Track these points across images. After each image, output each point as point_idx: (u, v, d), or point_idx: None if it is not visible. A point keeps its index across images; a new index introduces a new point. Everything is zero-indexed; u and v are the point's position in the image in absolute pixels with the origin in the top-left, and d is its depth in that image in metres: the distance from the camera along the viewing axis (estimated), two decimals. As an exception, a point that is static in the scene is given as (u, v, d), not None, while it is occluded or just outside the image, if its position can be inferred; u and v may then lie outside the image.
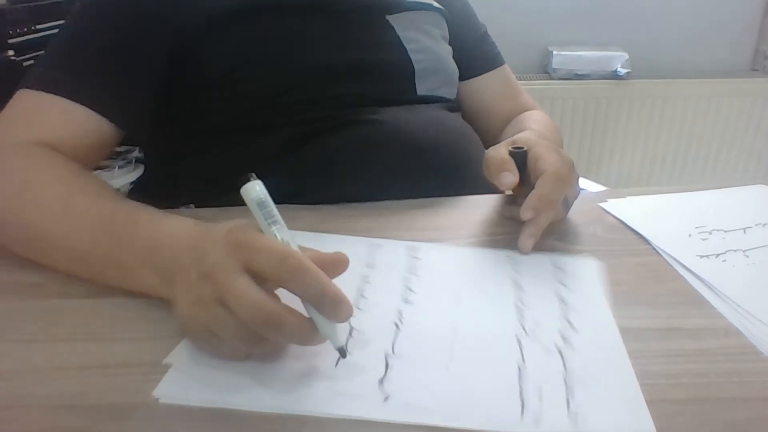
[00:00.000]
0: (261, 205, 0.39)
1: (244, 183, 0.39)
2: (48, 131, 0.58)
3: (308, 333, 0.37)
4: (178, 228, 0.45)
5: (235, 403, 0.36)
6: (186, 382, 0.38)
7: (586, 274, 0.50)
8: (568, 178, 0.55)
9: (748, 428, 0.35)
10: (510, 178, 0.55)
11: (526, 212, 0.53)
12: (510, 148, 0.58)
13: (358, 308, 0.45)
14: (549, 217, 0.55)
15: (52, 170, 0.55)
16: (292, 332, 0.37)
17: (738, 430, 0.34)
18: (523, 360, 0.39)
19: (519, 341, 0.41)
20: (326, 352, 0.39)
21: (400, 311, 0.45)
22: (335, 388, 0.37)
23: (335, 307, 0.37)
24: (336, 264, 0.40)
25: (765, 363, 0.40)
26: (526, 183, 0.56)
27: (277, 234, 0.39)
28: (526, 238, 0.54)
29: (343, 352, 0.38)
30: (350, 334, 0.43)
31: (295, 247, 0.39)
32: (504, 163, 0.56)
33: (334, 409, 0.36)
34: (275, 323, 0.36)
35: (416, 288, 0.48)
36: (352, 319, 0.38)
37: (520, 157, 0.57)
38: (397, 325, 0.43)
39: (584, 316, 0.44)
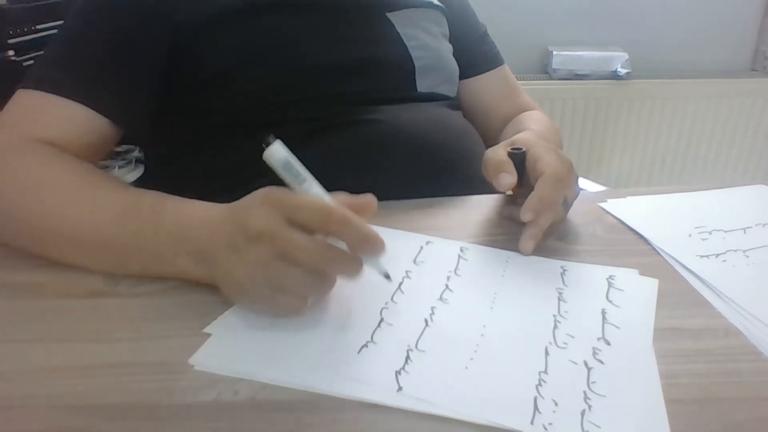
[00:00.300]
0: (287, 165, 0.42)
1: (266, 147, 0.42)
2: (47, 130, 0.58)
3: (359, 265, 0.42)
4: (203, 211, 0.48)
5: (263, 376, 0.38)
6: (221, 352, 0.40)
7: (640, 294, 0.48)
8: (567, 179, 0.55)
9: (748, 428, 0.35)
10: (508, 179, 0.55)
11: (525, 214, 0.53)
12: (508, 149, 0.58)
13: (394, 302, 0.46)
14: (549, 218, 0.55)
15: (64, 166, 0.55)
16: (348, 266, 0.42)
17: (738, 430, 0.34)
18: (546, 370, 0.39)
19: (547, 352, 0.41)
20: (351, 340, 0.42)
21: (434, 308, 0.46)
22: (354, 373, 0.38)
23: (374, 247, 0.42)
24: (367, 207, 0.45)
25: (765, 363, 0.40)
26: (525, 184, 0.56)
27: (309, 190, 0.43)
28: (527, 240, 0.54)
29: (388, 277, 0.45)
30: (379, 325, 0.43)
31: (328, 198, 0.43)
32: (502, 164, 0.56)
33: (350, 391, 0.37)
34: (336, 259, 0.42)
35: (455, 287, 0.49)
36: (384, 311, 0.44)
37: (519, 158, 0.57)
38: (426, 322, 0.44)
39: (622, 334, 0.43)
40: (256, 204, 0.42)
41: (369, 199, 0.45)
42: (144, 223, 0.49)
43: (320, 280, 0.42)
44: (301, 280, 0.41)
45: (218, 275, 0.45)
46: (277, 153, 0.42)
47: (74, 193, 0.52)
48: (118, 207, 0.51)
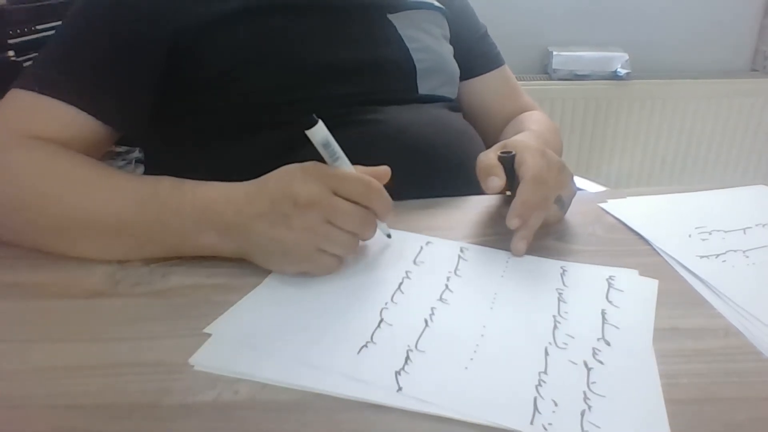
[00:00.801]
0: (326, 145, 0.48)
1: (310, 125, 0.46)
2: (41, 130, 0.57)
3: (376, 228, 0.51)
4: (224, 188, 0.51)
5: (263, 376, 0.38)
6: (221, 352, 0.41)
7: (640, 294, 0.48)
8: (552, 180, 0.55)
9: (748, 428, 0.35)
10: (496, 182, 0.56)
11: (511, 221, 0.53)
12: (499, 152, 0.58)
13: (394, 302, 0.46)
14: (539, 218, 0.55)
15: (72, 157, 0.55)
16: (374, 229, 0.50)
17: (738, 430, 0.34)
18: (546, 371, 0.39)
19: (547, 352, 0.41)
20: (351, 340, 0.42)
21: (434, 309, 0.46)
22: (354, 373, 0.38)
23: (392, 213, 0.51)
24: (385, 175, 0.52)
25: (765, 363, 0.40)
26: (516, 187, 0.56)
27: (342, 166, 0.49)
28: (518, 241, 0.54)
29: (389, 236, 0.55)
30: (379, 325, 0.43)
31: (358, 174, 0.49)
32: (491, 168, 0.57)
33: (350, 391, 0.37)
34: (371, 224, 0.49)
35: (455, 288, 0.49)
36: (384, 311, 0.45)
37: (509, 161, 0.57)
38: (426, 322, 0.44)
39: (622, 335, 0.43)
40: (299, 175, 0.48)
41: (385, 168, 0.52)
42: (164, 204, 0.51)
43: (355, 242, 0.49)
44: (343, 242, 0.48)
45: (252, 245, 0.49)
46: (319, 134, 0.47)
47: (89, 180, 0.53)
48: (137, 191, 0.52)
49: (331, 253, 0.48)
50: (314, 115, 0.47)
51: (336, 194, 0.47)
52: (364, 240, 0.50)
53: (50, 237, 0.53)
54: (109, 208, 0.52)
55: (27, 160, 0.54)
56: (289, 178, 0.48)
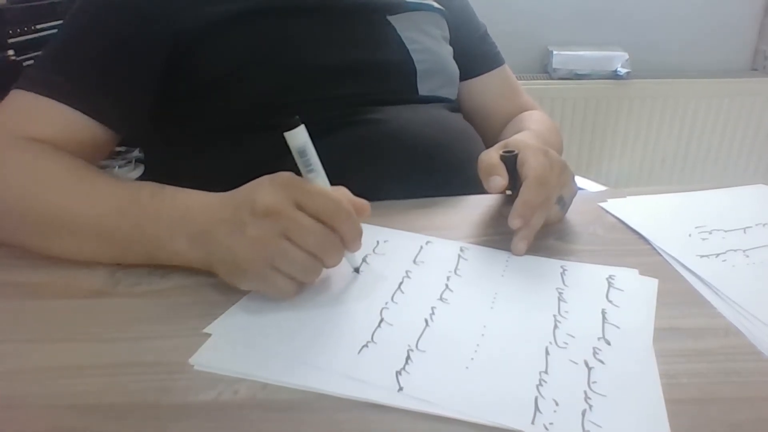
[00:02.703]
0: (302, 152, 0.44)
1: (289, 128, 0.43)
2: (39, 131, 0.57)
3: (342, 256, 0.46)
4: (203, 196, 0.49)
5: (263, 376, 0.38)
6: (221, 352, 0.40)
7: (640, 294, 0.48)
8: (554, 180, 0.55)
9: (749, 428, 0.35)
10: (498, 181, 0.56)
11: (513, 221, 0.53)
12: (501, 151, 0.58)
13: (394, 302, 0.46)
14: (541, 219, 0.55)
15: (59, 161, 0.55)
16: (339, 256, 0.45)
17: (738, 430, 0.34)
18: (547, 370, 0.39)
19: (547, 352, 0.41)
20: (351, 340, 0.42)
21: (434, 308, 0.46)
22: (354, 373, 0.38)
23: (360, 245, 0.46)
24: (363, 210, 0.48)
25: (765, 363, 0.40)
26: (518, 186, 0.56)
27: (314, 180, 0.45)
28: (519, 241, 0.54)
29: (357, 270, 0.50)
30: (379, 325, 0.43)
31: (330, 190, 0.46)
32: (493, 167, 0.57)
33: (350, 391, 0.37)
34: (334, 248, 0.44)
35: (455, 287, 0.49)
36: (384, 311, 0.45)
37: (511, 160, 0.57)
38: (426, 322, 0.44)
39: (623, 334, 0.43)
40: (265, 183, 0.45)
41: (365, 203, 0.48)
42: (144, 211, 0.50)
43: (315, 266, 0.44)
44: (299, 261, 0.43)
45: (215, 255, 0.46)
46: (297, 137, 0.44)
47: (72, 186, 0.53)
48: (118, 198, 0.51)
49: (286, 272, 0.44)
50: (297, 117, 0.44)
51: (299, 208, 0.43)
52: (326, 266, 0.45)
53: (32, 236, 0.53)
54: (89, 212, 0.51)
55: (17, 161, 0.55)
56: (255, 185, 0.45)
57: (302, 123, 0.44)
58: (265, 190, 0.44)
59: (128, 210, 0.50)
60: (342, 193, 0.47)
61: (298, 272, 0.44)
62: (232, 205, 0.46)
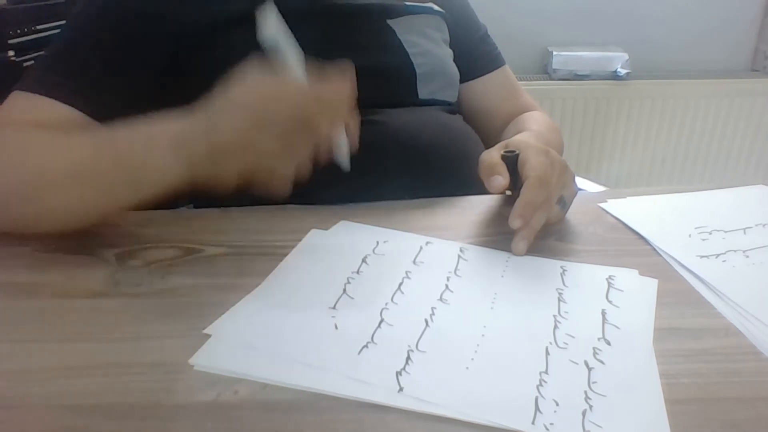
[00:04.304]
0: (274, 44, 0.49)
1: (259, 20, 0.48)
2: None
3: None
4: (177, 117, 0.51)
5: (263, 376, 0.38)
6: (221, 352, 0.40)
7: (640, 294, 0.48)
8: (555, 180, 0.56)
9: (748, 428, 0.35)
10: (500, 181, 0.56)
11: (514, 221, 0.53)
12: (502, 151, 0.58)
13: (394, 302, 0.46)
14: (542, 219, 0.55)
15: (41, 129, 0.57)
16: (309, 144, 0.49)
17: (738, 430, 0.34)
18: (547, 371, 0.39)
19: (547, 352, 0.41)
20: (351, 340, 0.42)
21: (434, 309, 0.45)
22: (354, 373, 0.38)
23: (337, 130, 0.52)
24: (342, 88, 0.52)
25: (765, 363, 0.40)
26: (519, 186, 0.56)
27: (289, 70, 0.50)
28: (519, 241, 0.54)
29: (344, 167, 0.55)
30: (380, 325, 0.43)
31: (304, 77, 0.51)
32: (495, 166, 0.57)
33: (350, 391, 0.37)
34: (305, 139, 0.49)
35: (455, 288, 0.49)
36: (384, 312, 0.45)
37: (512, 160, 0.57)
38: (426, 322, 0.44)
39: (623, 334, 0.43)
40: (241, 80, 0.50)
41: (344, 81, 0.52)
42: (118, 144, 0.52)
43: (288, 155, 0.49)
44: (275, 148, 0.48)
45: (195, 150, 0.49)
46: (268, 30, 0.49)
47: (50, 144, 0.55)
48: (93, 142, 0.54)
49: (266, 163, 0.49)
50: (269, 6, 0.49)
51: (271, 101, 0.48)
52: (298, 157, 0.50)
53: (22, 206, 0.53)
54: (68, 162, 0.53)
55: (8, 136, 0.56)
56: (226, 90, 0.50)
57: (271, 13, 0.49)
58: (238, 89, 0.49)
59: (103, 148, 0.52)
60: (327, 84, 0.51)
61: (274, 159, 0.49)
62: (207, 109, 0.50)
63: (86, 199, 0.52)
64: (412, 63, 0.74)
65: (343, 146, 0.53)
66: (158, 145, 0.50)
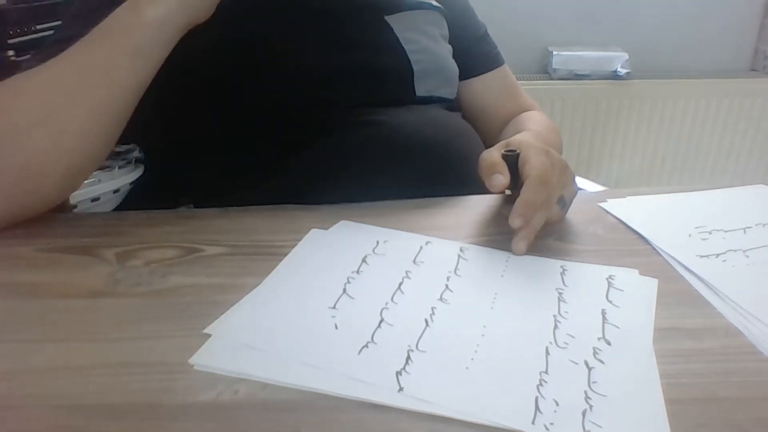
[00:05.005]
0: None
1: None
2: None
3: None
4: None
5: (263, 376, 0.38)
6: (221, 352, 0.40)
7: (640, 294, 0.48)
8: (556, 180, 0.55)
9: (748, 428, 0.35)
10: (500, 180, 0.56)
11: (514, 220, 0.53)
12: (503, 151, 0.58)
13: (394, 302, 0.46)
14: (542, 219, 0.55)
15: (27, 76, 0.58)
16: None
17: (738, 430, 0.34)
18: (547, 371, 0.39)
19: (547, 352, 0.41)
20: (351, 340, 0.41)
21: (434, 309, 0.45)
22: (354, 373, 0.38)
23: None
24: None
25: (765, 363, 0.40)
26: (519, 186, 0.56)
27: None
28: (519, 240, 0.54)
29: None
30: (380, 325, 0.43)
31: None
32: (495, 165, 0.57)
33: (350, 391, 0.37)
34: None
35: (455, 287, 0.48)
36: (384, 311, 0.44)
37: (512, 159, 0.57)
38: (426, 322, 0.44)
39: (623, 334, 0.43)
40: None
41: None
42: (106, 25, 0.57)
43: None
44: None
45: None
46: None
47: (39, 78, 0.57)
48: (85, 40, 0.57)
49: None
50: None
51: None
52: None
53: (39, 133, 0.55)
54: (71, 68, 0.56)
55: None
56: None
57: None
58: None
59: (97, 33, 0.57)
60: None
61: None
62: None
63: (98, 87, 0.56)
64: (409, 60, 0.74)
65: None
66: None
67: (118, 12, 0.57)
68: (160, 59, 0.59)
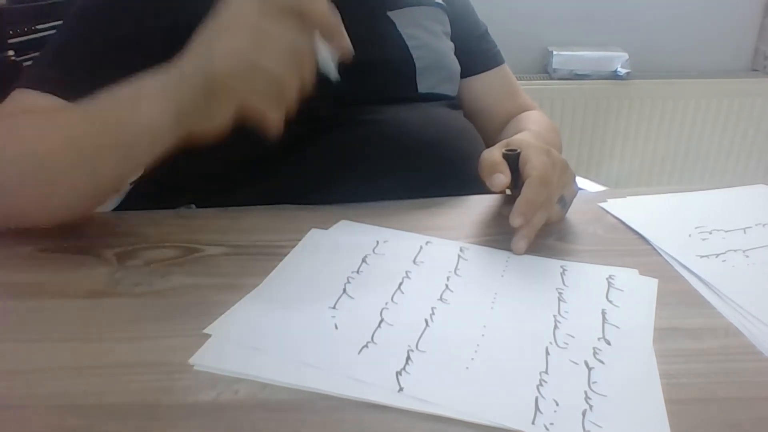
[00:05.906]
0: None
1: None
2: None
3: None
4: (161, 69, 0.51)
5: (263, 376, 0.38)
6: (221, 352, 0.40)
7: (640, 294, 0.48)
8: (557, 179, 0.56)
9: (748, 428, 0.35)
10: (501, 179, 0.56)
11: (515, 219, 0.53)
12: (503, 150, 0.58)
13: (394, 302, 0.46)
14: (542, 218, 0.55)
15: (36, 112, 0.57)
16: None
17: (738, 430, 0.34)
18: (547, 371, 0.39)
19: (547, 352, 0.41)
20: (351, 340, 0.42)
21: (434, 309, 0.45)
22: (354, 373, 0.38)
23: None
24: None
25: (765, 363, 0.40)
26: (520, 185, 0.56)
27: None
28: (520, 240, 0.54)
29: (335, 77, 0.53)
30: (380, 325, 0.43)
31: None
32: (496, 164, 0.57)
33: (350, 391, 0.37)
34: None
35: (455, 287, 0.48)
36: (384, 311, 0.44)
37: (513, 159, 0.57)
38: (426, 322, 0.44)
39: (623, 334, 0.43)
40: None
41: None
42: (103, 106, 0.52)
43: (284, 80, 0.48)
44: (275, 74, 0.47)
45: (185, 94, 0.49)
46: None
47: (41, 123, 0.56)
48: (82, 109, 0.54)
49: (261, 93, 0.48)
50: None
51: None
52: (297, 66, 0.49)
53: (21, 186, 0.53)
54: (59, 133, 0.53)
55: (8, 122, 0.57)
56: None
57: None
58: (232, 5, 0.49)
59: (90, 112, 0.53)
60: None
61: (271, 89, 0.48)
62: (200, 39, 0.50)
63: (83, 170, 0.53)
64: (411, 57, 0.74)
65: (324, 51, 0.52)
66: (145, 95, 0.50)
67: (120, 96, 0.52)
68: (150, 159, 0.55)
